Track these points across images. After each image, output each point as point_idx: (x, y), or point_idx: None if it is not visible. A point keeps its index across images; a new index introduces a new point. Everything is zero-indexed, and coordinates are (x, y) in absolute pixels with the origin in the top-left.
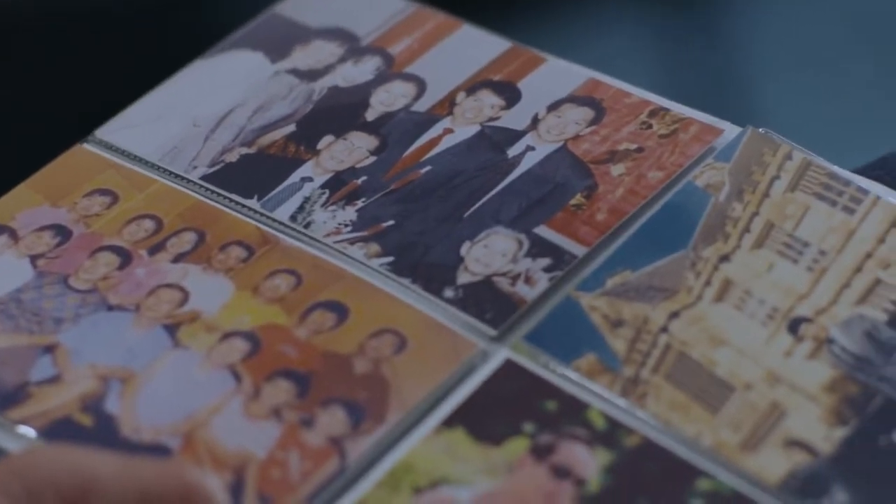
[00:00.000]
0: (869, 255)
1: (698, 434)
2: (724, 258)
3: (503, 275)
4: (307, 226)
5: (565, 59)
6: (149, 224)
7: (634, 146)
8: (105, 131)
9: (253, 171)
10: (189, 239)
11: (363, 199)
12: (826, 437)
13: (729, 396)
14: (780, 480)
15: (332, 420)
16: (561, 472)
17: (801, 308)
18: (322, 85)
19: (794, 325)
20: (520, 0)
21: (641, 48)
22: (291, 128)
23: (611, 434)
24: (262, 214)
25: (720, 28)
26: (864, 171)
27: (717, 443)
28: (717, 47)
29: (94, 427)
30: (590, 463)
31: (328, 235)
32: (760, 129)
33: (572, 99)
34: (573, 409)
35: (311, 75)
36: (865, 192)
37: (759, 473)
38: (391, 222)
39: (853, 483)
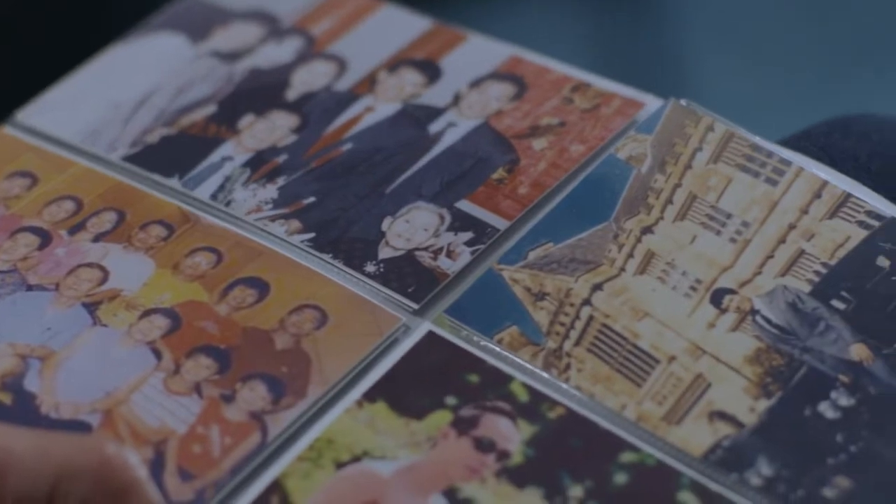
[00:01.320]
0: (792, 227)
1: (622, 406)
2: (647, 230)
3: (425, 249)
4: (228, 204)
5: (493, 36)
6: (69, 205)
7: (556, 121)
8: (24, 115)
9: (173, 152)
10: (109, 219)
11: (284, 177)
12: (750, 408)
13: (653, 368)
14: (704, 452)
15: (253, 395)
16: (484, 445)
17: (724, 280)
18: (243, 66)
19: (718, 297)
20: None
21: (570, 24)
22: (212, 108)
23: (534, 407)
24: (182, 194)
25: (649, 2)
26: (788, 143)
27: (640, 415)
28: (646, 22)
29: (12, 405)
30: (513, 436)
31: (249, 213)
32: (682, 101)
33: (494, 75)
34: (496, 382)
35: (231, 57)
36: (788, 163)
37: (683, 445)
38: (312, 199)
39: (778, 454)
